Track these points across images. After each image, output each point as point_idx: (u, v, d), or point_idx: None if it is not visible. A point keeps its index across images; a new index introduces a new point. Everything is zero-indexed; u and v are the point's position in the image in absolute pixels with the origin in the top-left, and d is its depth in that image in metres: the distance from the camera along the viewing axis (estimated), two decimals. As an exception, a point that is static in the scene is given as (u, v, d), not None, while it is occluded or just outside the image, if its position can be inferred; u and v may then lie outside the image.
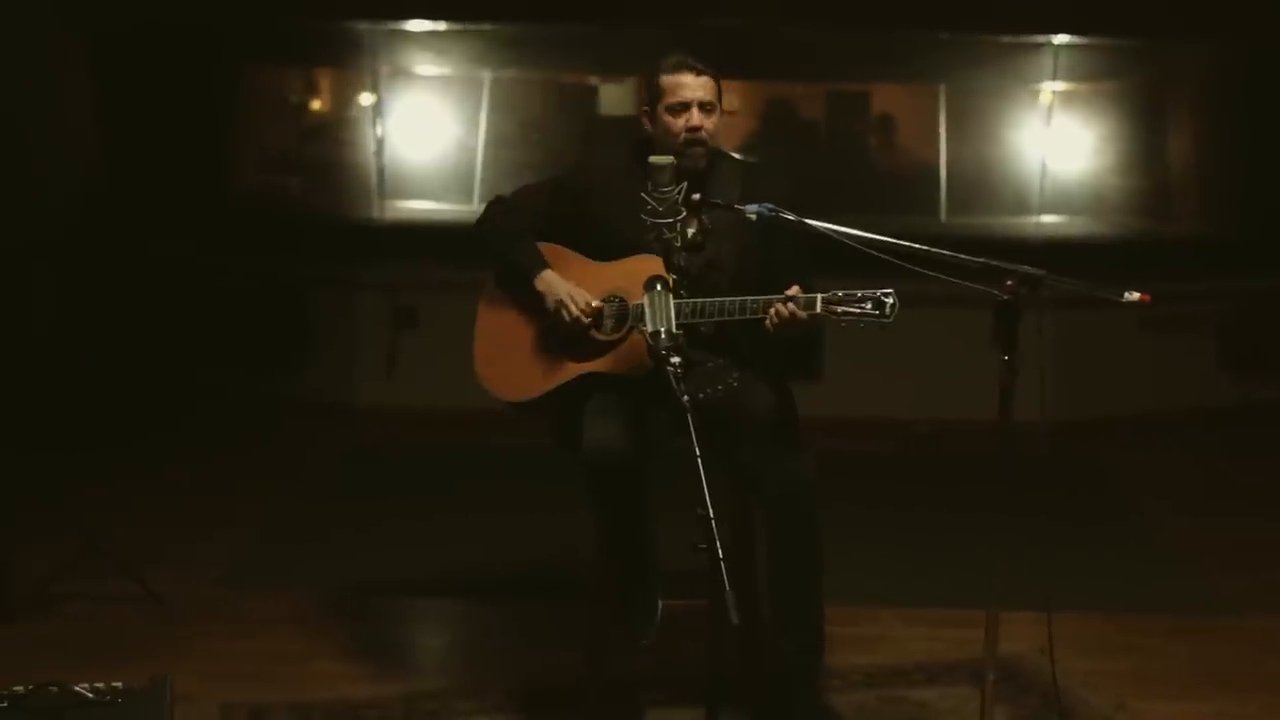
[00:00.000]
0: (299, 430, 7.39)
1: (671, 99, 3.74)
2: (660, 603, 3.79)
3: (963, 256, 3.28)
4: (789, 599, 3.75)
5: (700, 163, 3.74)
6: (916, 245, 3.32)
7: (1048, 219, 8.89)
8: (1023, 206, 8.93)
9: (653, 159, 3.48)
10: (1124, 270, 4.77)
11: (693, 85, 3.73)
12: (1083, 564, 5.39)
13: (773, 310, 3.49)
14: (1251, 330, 7.95)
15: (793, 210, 3.54)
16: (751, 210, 3.51)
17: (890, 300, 3.41)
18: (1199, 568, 5.48)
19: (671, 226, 3.47)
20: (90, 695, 3.11)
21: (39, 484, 5.56)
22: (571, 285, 3.73)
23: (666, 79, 3.75)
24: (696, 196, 3.61)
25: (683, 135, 3.71)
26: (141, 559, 4.98)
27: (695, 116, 3.72)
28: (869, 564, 5.27)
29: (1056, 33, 8.52)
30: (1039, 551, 3.94)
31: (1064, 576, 5.00)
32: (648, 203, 3.47)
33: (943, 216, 9.01)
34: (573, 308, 3.69)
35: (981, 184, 9.06)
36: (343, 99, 9.54)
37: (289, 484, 6.43)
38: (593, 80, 9.60)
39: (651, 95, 3.79)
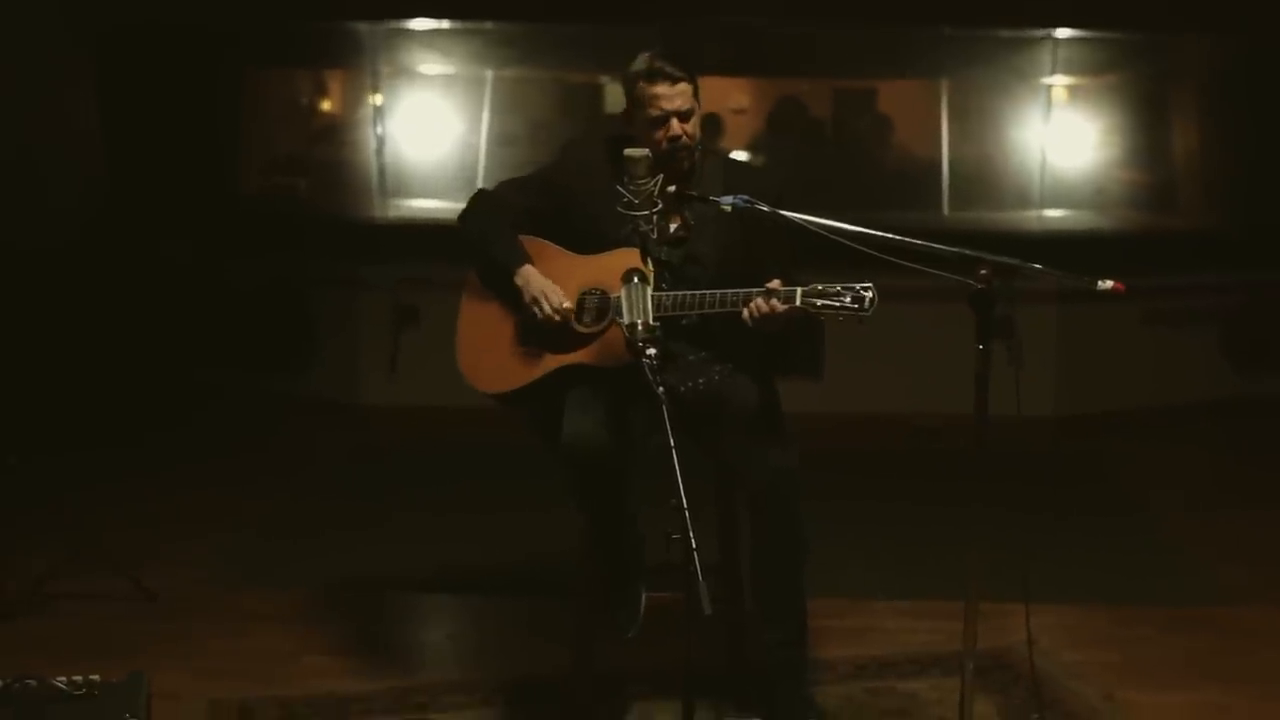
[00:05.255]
0: (302, 429, 7.43)
1: (651, 111, 3.70)
2: (644, 595, 3.80)
3: (937, 246, 3.26)
4: (771, 592, 3.76)
5: (686, 165, 3.74)
6: (891, 235, 3.30)
7: (1049, 213, 8.87)
8: (1024, 201, 8.91)
9: (628, 151, 3.46)
10: (1126, 264, 4.74)
11: (668, 95, 3.69)
12: (1084, 557, 5.38)
13: (751, 304, 3.49)
14: (1254, 323, 7.94)
15: (781, 206, 3.54)
16: (726, 202, 3.51)
17: (869, 295, 3.38)
18: (1200, 560, 5.46)
19: (648, 219, 3.45)
20: (66, 688, 3.14)
21: (45, 484, 5.55)
22: (547, 284, 3.72)
23: (643, 89, 3.71)
24: (672, 189, 3.61)
25: (665, 145, 3.69)
26: (139, 557, 5.03)
27: (674, 127, 3.70)
28: (859, 556, 5.29)
29: (1058, 27, 8.52)
30: (1029, 543, 3.93)
31: (1063, 569, 5.03)
32: (624, 195, 3.46)
33: (945, 211, 9.00)
34: (546, 306, 3.69)
35: (983, 178, 9.05)
36: (345, 99, 9.56)
37: (290, 482, 6.44)
38: (596, 79, 9.60)
39: (629, 98, 3.77)
